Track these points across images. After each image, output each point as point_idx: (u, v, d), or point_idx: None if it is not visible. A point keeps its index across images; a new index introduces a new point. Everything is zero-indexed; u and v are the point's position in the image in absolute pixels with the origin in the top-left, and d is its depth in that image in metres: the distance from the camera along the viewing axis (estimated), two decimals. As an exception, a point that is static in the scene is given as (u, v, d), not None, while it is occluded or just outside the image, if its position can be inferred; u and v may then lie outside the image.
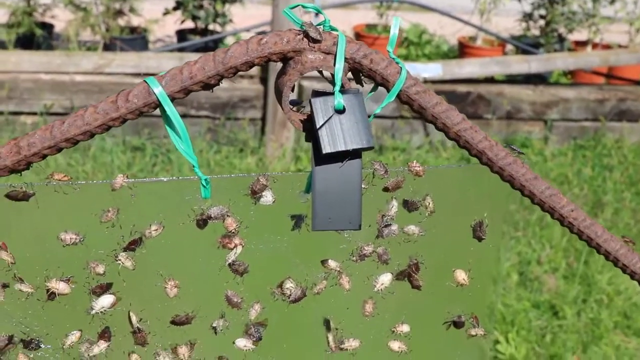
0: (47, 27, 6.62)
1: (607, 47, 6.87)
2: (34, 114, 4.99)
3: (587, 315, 3.60)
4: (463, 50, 7.20)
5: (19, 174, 1.00)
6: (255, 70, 4.81)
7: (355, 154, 0.98)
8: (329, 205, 0.98)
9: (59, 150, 0.99)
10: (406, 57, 6.97)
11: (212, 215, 1.07)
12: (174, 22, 6.86)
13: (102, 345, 1.12)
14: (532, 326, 3.48)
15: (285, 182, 1.10)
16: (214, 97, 4.71)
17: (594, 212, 4.40)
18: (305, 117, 1.01)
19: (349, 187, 0.99)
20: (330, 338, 1.23)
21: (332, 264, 1.17)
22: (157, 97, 0.94)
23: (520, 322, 3.48)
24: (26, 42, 6.20)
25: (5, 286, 1.06)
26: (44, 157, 0.99)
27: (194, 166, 1.00)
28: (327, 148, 0.95)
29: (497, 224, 1.22)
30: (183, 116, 4.60)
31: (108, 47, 6.17)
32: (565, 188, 4.60)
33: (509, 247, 3.96)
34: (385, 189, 1.13)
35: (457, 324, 1.27)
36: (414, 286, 1.21)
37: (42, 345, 1.11)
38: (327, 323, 1.23)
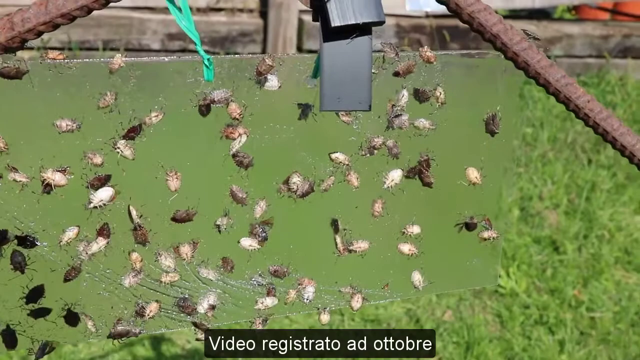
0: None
1: (613, -18, 6.74)
2: (31, 48, 4.89)
3: (587, 251, 3.57)
4: (465, -13, 7.04)
5: (13, 54, 0.94)
6: (254, 4, 4.71)
7: (365, 29, 0.92)
8: (338, 84, 0.93)
9: (55, 27, 0.93)
10: (407, -7, 6.85)
11: (216, 99, 1.01)
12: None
13: (101, 242, 1.07)
14: (533, 261, 3.46)
15: (292, 67, 1.04)
16: (213, 32, 4.61)
17: (597, 148, 4.34)
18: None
19: (359, 65, 0.93)
20: (339, 240, 1.19)
21: (340, 157, 1.12)
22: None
23: (521, 256, 3.45)
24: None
25: None
26: (40, 34, 0.93)
27: (195, 44, 0.94)
28: (336, 21, 0.89)
29: (509, 119, 1.17)
30: (182, 51, 4.47)
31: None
32: (568, 124, 4.54)
33: (511, 183, 3.92)
34: (396, 74, 1.08)
35: (469, 226, 1.23)
36: (425, 183, 1.17)
37: (38, 243, 1.06)
38: (335, 223, 1.19)
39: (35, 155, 1.01)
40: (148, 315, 1.12)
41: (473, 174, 1.17)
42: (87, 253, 1.07)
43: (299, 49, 4.63)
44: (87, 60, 0.97)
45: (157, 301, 1.12)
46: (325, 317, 1.21)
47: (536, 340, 3.01)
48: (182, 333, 2.76)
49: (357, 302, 1.21)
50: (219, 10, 4.64)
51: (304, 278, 1.18)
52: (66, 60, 0.96)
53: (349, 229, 1.18)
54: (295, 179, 1.11)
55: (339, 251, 1.19)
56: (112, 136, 1.02)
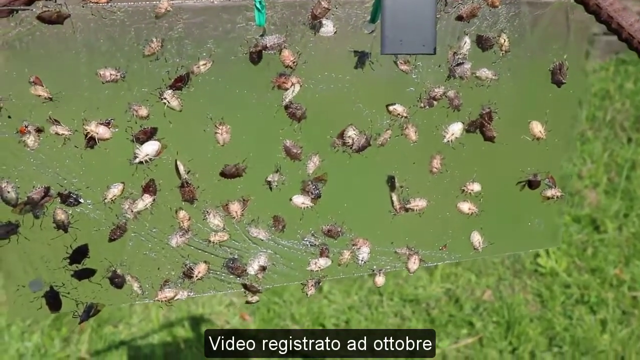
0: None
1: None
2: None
3: (628, 230, 3.48)
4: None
5: (54, 0, 0.89)
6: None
7: None
8: (400, 26, 0.86)
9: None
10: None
11: (268, 45, 0.95)
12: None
13: (147, 199, 1.02)
14: (573, 240, 3.38)
15: (349, 10, 0.98)
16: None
17: (636, 127, 4.24)
18: None
19: (422, 5, 0.87)
20: (395, 198, 1.12)
21: (398, 108, 1.05)
22: None
23: (561, 235, 3.37)
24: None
25: (39, 131, 0.95)
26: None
27: (247, -16, 0.89)
28: None
29: (576, 68, 1.10)
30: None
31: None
32: (607, 103, 4.43)
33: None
34: (459, 18, 1.01)
35: (532, 184, 1.16)
36: (487, 137, 1.10)
37: (81, 200, 1.01)
38: (391, 181, 1.12)
39: (78, 107, 0.96)
40: (196, 276, 1.07)
41: (537, 128, 1.11)
42: (132, 211, 1.02)
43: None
44: (131, 3, 0.91)
45: (205, 262, 1.07)
46: (380, 280, 1.15)
47: (578, 320, 2.95)
48: (221, 314, 2.73)
49: (414, 264, 1.15)
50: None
51: (359, 238, 1.12)
52: (110, 4, 0.90)
53: (406, 187, 1.12)
54: (351, 133, 1.05)
55: (395, 210, 1.13)
56: (159, 86, 0.96)
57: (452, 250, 1.18)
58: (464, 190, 1.14)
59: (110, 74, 0.94)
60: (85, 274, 1.04)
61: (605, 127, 4.26)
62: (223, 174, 1.04)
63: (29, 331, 2.56)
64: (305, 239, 1.11)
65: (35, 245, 1.01)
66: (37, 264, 1.02)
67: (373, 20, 0.97)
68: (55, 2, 0.90)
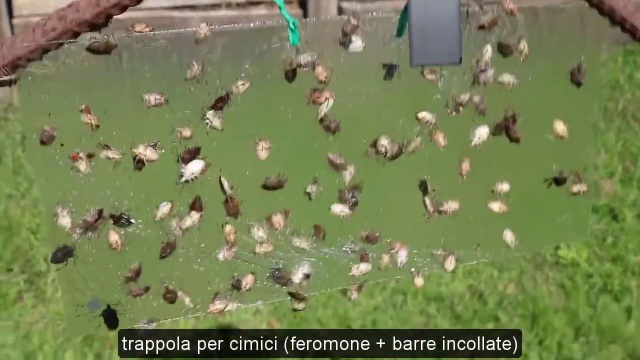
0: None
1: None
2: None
3: (647, 218, 3.51)
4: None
5: (99, 32, 0.94)
6: (294, -5, 4.71)
7: None
8: (427, 38, 0.91)
9: (139, 0, 0.93)
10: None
11: (302, 63, 1.00)
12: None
13: (195, 216, 1.07)
14: (592, 230, 3.40)
15: (376, 26, 1.02)
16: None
17: (647, 115, 4.27)
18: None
19: (447, 17, 0.92)
20: (428, 202, 1.17)
21: (427, 115, 1.10)
22: None
23: (580, 226, 3.39)
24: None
25: (90, 156, 1.00)
26: (124, 8, 0.93)
27: (280, 7, 0.94)
28: None
29: (595, 68, 1.15)
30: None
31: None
32: (617, 93, 4.46)
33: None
34: (481, 27, 1.06)
35: (559, 181, 1.21)
36: (513, 139, 1.14)
37: (133, 221, 1.06)
38: (423, 186, 1.17)
39: (125, 132, 1.00)
40: (244, 287, 1.11)
41: (560, 127, 1.15)
42: (180, 228, 1.07)
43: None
44: (172, 31, 0.96)
45: (252, 273, 1.12)
46: (419, 281, 1.20)
47: (602, 309, 2.97)
48: (249, 322, 2.77)
49: (450, 264, 1.19)
50: (259, 3, 4.63)
51: (396, 242, 1.17)
52: (152, 32, 0.95)
53: (438, 190, 1.17)
54: (383, 141, 1.09)
55: (429, 213, 1.17)
56: (201, 107, 1.01)
57: (486, 249, 1.22)
58: (493, 190, 1.18)
59: (155, 98, 0.99)
60: (139, 292, 1.09)
61: (617, 118, 4.29)
62: (265, 186, 1.08)
63: (61, 349, 2.61)
64: (346, 246, 1.15)
65: (91, 267, 1.05)
66: (94, 284, 1.07)
67: (400, 34, 1.02)
68: (100, 33, 0.95)
